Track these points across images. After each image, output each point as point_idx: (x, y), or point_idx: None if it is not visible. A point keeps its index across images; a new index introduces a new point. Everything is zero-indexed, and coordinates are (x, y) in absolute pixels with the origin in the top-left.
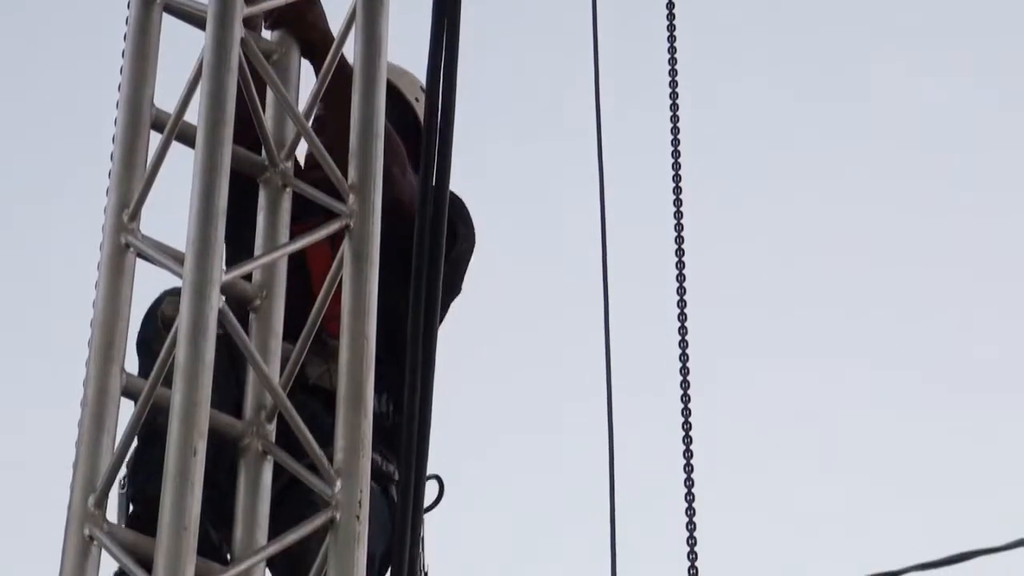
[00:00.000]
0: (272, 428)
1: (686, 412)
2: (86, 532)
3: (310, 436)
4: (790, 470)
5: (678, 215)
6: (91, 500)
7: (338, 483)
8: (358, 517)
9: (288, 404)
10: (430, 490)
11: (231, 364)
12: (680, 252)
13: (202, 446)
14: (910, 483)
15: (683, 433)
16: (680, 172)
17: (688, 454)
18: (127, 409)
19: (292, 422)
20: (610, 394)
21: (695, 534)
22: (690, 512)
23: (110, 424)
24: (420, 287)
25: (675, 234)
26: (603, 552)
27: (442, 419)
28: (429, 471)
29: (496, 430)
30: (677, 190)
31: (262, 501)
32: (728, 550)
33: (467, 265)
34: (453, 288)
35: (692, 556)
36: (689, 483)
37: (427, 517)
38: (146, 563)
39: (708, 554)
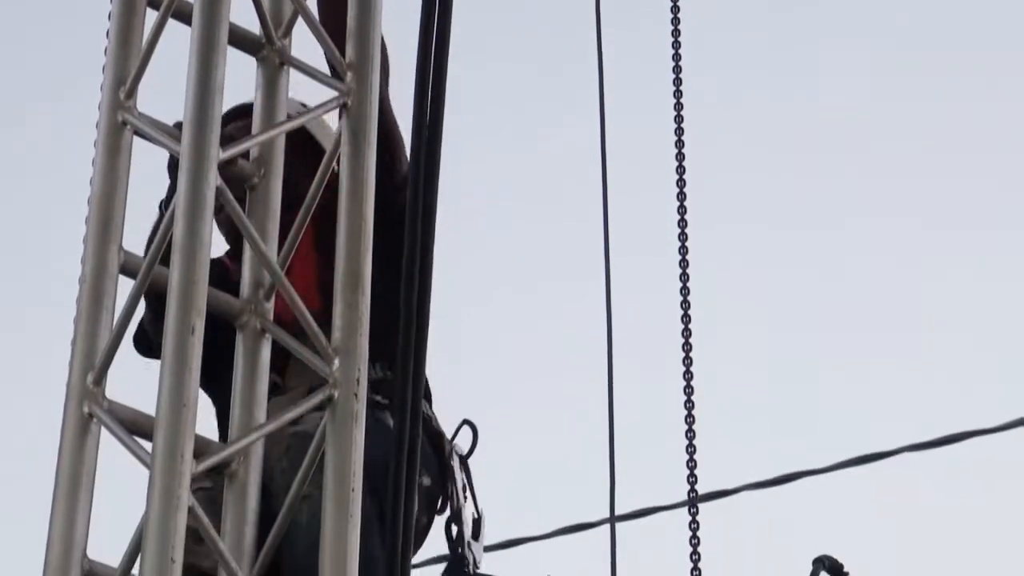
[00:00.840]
0: (270, 307)
1: (684, 278)
2: (85, 409)
3: (307, 313)
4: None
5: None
6: (90, 377)
7: (336, 361)
8: (356, 395)
9: (286, 282)
10: (465, 437)
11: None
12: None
13: (200, 324)
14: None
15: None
16: None
17: (686, 331)
18: (125, 287)
19: (290, 300)
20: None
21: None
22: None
23: (108, 302)
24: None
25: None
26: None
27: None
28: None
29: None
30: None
31: (260, 380)
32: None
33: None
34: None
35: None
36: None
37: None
38: (145, 437)
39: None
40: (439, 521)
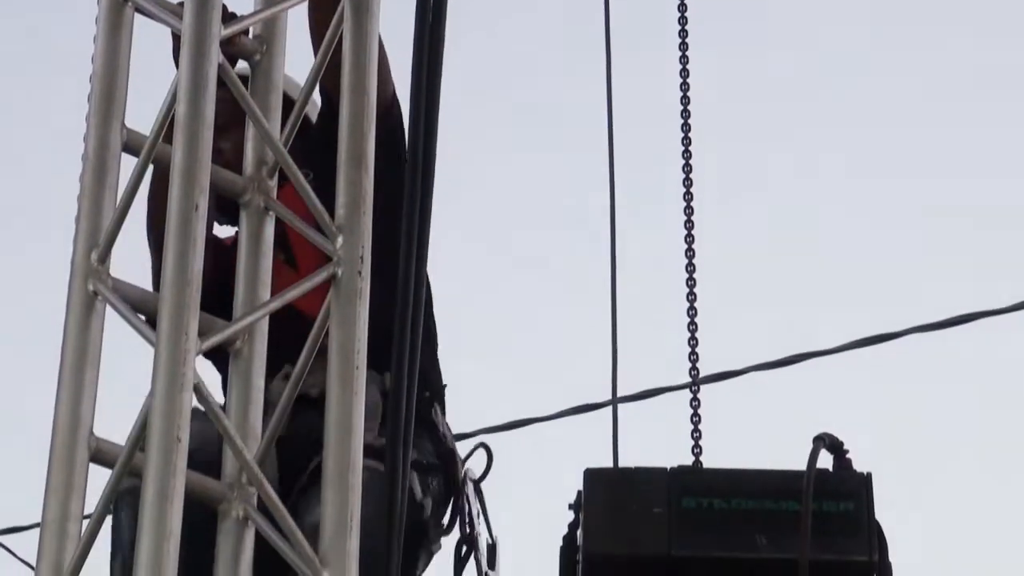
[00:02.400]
0: (273, 184)
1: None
2: (90, 287)
3: (311, 191)
4: None
5: None
6: (94, 255)
7: (340, 239)
8: (360, 273)
9: (289, 160)
10: (479, 459)
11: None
12: None
13: (203, 202)
14: None
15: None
16: None
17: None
18: (129, 164)
19: (293, 177)
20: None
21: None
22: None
23: (111, 179)
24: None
25: None
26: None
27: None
28: (474, 441)
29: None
30: None
31: (264, 256)
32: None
33: None
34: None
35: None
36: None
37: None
38: (150, 318)
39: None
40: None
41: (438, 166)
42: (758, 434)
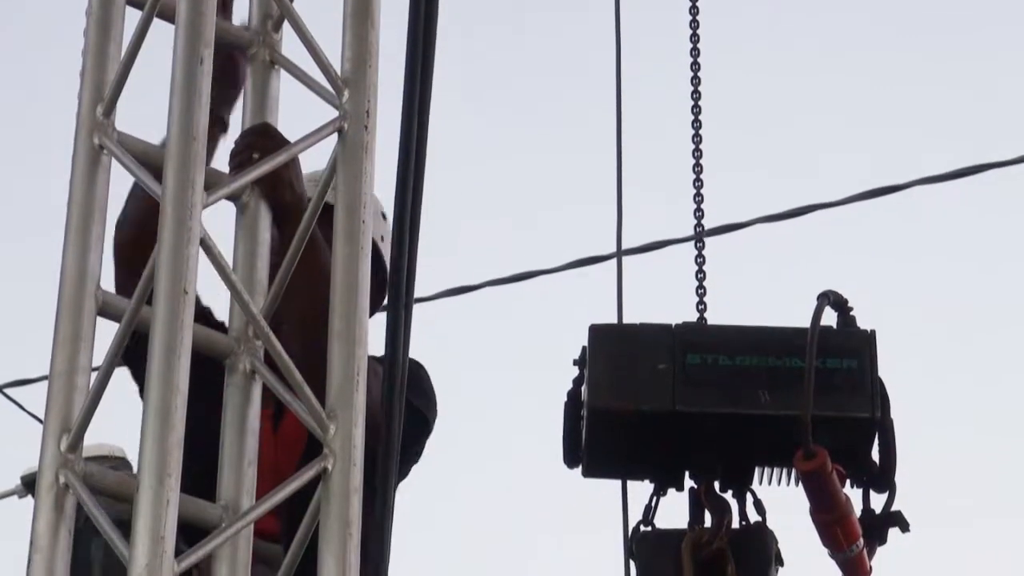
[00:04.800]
0: (279, 38)
1: None
2: (95, 141)
3: (315, 41)
4: None
5: None
6: (99, 109)
7: (345, 93)
8: (366, 127)
9: (294, 11)
10: None
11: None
12: None
13: (208, 55)
14: None
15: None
16: None
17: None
18: (132, 18)
19: (297, 30)
20: None
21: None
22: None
23: (116, 33)
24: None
25: None
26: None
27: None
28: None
29: None
30: None
31: (270, 111)
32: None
33: (425, 439)
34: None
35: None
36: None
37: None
38: (156, 172)
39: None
40: None
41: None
42: (763, 290)
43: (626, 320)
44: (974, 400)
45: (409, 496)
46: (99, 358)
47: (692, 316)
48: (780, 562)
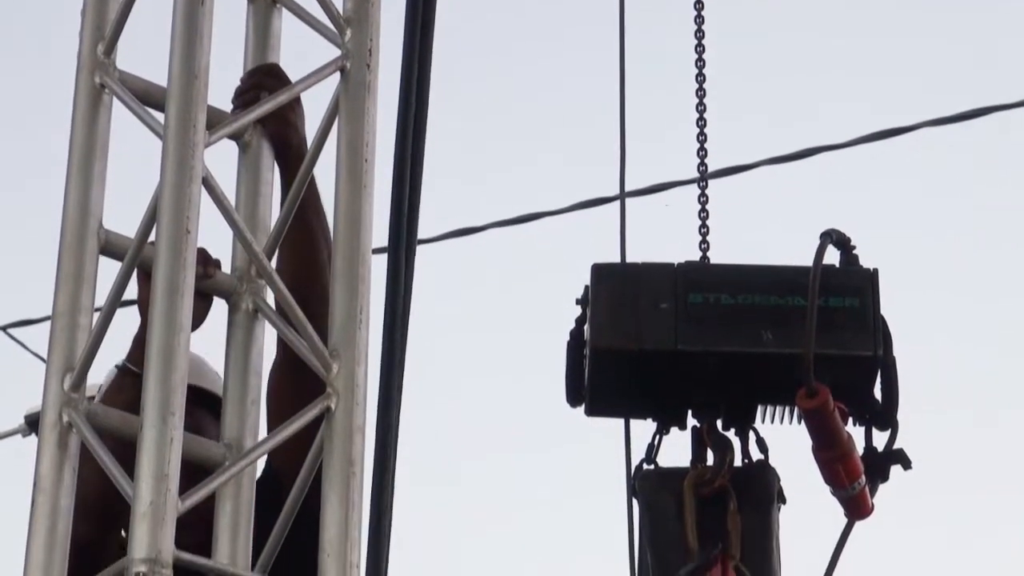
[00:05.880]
0: None
1: None
2: (96, 80)
3: None
4: None
5: None
6: (100, 48)
7: (348, 31)
8: (368, 65)
9: None
10: None
11: None
12: None
13: None
14: None
15: None
16: None
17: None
18: None
19: None
20: None
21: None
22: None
23: None
24: None
25: None
26: None
27: None
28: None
29: None
30: None
31: (271, 51)
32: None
33: None
34: None
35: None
36: None
37: None
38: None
39: None
40: None
41: None
42: (766, 230)
43: (629, 260)
44: (975, 331)
45: (411, 448)
46: (102, 300)
47: (695, 256)
48: (782, 500)
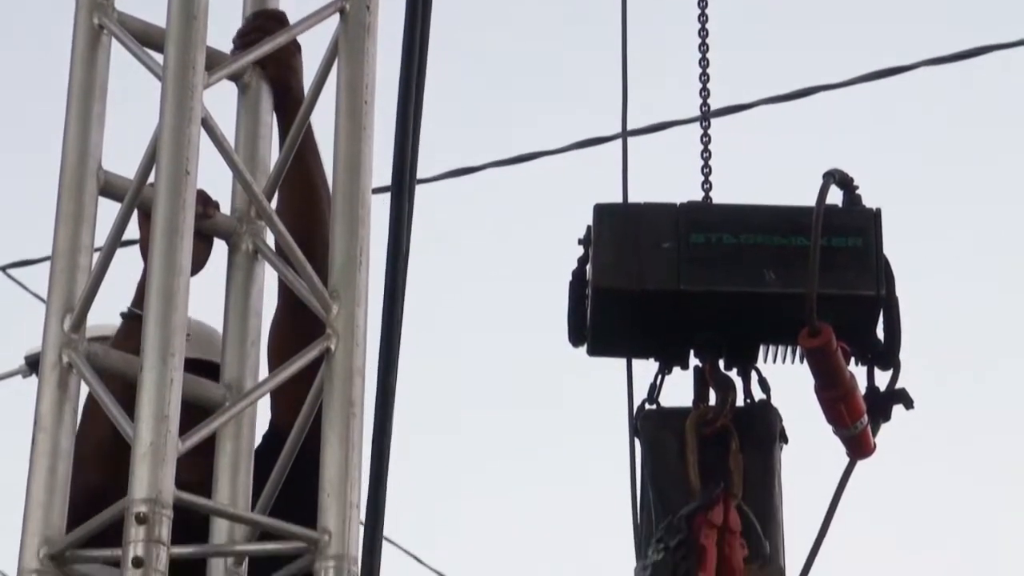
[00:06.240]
0: None
1: None
2: (95, 21)
3: None
4: None
5: None
6: None
7: None
8: (368, 7)
9: None
10: None
11: None
12: None
13: None
14: None
15: None
16: None
17: None
18: None
19: None
20: None
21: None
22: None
23: None
24: None
25: None
26: None
27: None
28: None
29: None
30: None
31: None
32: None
33: None
34: None
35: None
36: None
37: None
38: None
39: None
40: None
41: None
42: (768, 170)
43: (631, 200)
44: (980, 275)
45: (410, 392)
46: (102, 241)
47: (697, 195)
48: (784, 439)
